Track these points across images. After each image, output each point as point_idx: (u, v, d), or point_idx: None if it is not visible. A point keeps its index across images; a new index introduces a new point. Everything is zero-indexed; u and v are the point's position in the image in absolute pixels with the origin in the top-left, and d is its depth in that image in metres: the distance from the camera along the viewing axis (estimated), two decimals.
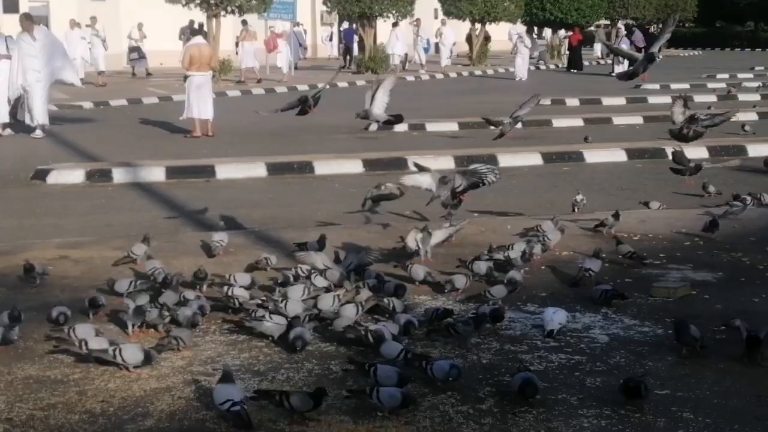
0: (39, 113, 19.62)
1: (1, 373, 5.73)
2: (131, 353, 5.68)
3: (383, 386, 5.21)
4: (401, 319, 6.42)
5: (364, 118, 11.49)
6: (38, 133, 19.58)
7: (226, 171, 14.53)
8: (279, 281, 7.39)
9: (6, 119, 20.11)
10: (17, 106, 20.36)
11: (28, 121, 19.81)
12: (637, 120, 21.45)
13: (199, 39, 21.36)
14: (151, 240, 8.42)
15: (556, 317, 6.57)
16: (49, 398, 5.35)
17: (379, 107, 10.63)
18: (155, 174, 14.34)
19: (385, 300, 6.81)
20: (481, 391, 5.50)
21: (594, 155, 15.84)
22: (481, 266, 7.71)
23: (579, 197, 10.51)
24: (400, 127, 20.26)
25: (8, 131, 20.02)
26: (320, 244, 8.25)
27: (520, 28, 48.67)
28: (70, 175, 14.22)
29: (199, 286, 7.40)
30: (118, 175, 14.28)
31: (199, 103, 19.60)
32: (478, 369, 5.86)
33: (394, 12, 41.52)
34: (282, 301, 6.61)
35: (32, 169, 14.58)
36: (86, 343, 5.84)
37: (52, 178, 14.12)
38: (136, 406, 5.22)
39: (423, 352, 5.94)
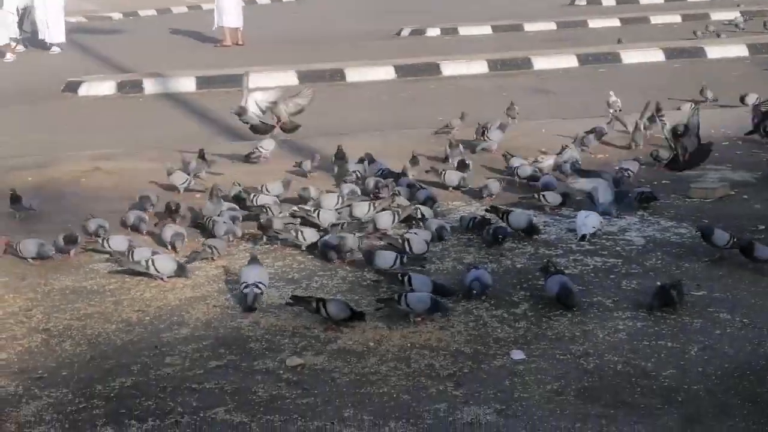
0: (57, 32, 19.37)
1: (39, 284, 5.78)
2: (164, 264, 5.70)
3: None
4: (433, 225, 6.37)
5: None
6: (55, 49, 19.44)
7: (257, 79, 14.37)
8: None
9: (16, 33, 19.54)
10: (24, 17, 19.86)
11: (42, 35, 19.57)
12: (675, 18, 20.98)
13: None
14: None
15: (588, 221, 6.49)
16: (86, 308, 5.39)
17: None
18: (186, 84, 14.27)
19: (413, 207, 6.75)
20: (516, 296, 5.47)
21: (631, 56, 15.53)
22: (527, 170, 7.67)
23: (612, 98, 10.30)
24: (433, 32, 20.06)
25: (20, 47, 19.62)
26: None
27: None
28: (101, 87, 14.18)
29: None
30: (149, 86, 14.22)
31: (229, 11, 19.38)
32: (512, 273, 5.82)
33: None
34: (315, 211, 6.58)
35: (63, 82, 14.55)
36: (121, 254, 5.89)
37: (84, 90, 14.09)
38: (172, 315, 5.26)
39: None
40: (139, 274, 5.76)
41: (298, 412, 4.20)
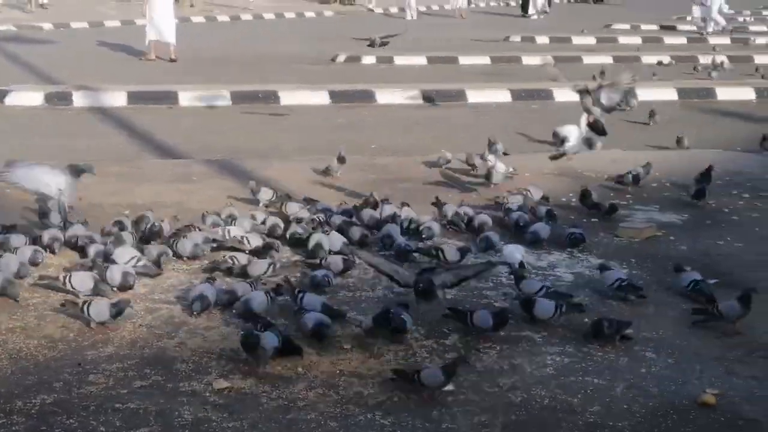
0: None
1: None
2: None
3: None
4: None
5: None
6: None
7: (189, 98, 14.29)
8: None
9: None
10: None
11: None
12: (607, 59, 21.36)
13: None
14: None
15: (516, 251, 6.57)
16: (8, 322, 5.26)
17: None
18: (117, 99, 14.08)
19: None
20: (446, 326, 5.47)
21: (563, 94, 15.73)
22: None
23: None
24: (368, 60, 20.14)
25: None
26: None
27: None
28: (28, 97, 13.92)
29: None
30: (79, 99, 13.99)
31: (162, 27, 19.21)
32: (443, 305, 5.82)
33: None
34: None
35: None
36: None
37: (11, 100, 13.83)
38: (97, 333, 5.14)
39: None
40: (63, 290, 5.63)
41: None
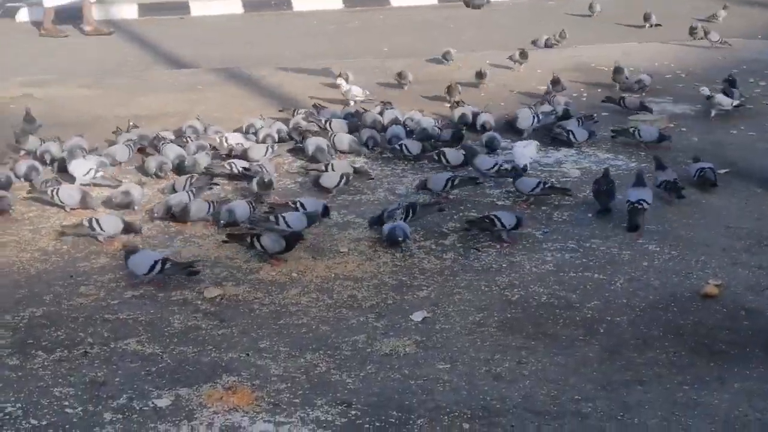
0: None
1: None
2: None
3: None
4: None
5: None
6: None
7: (201, 8, 14.03)
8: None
9: None
10: None
11: None
12: None
13: None
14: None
15: (527, 151, 6.42)
16: (2, 237, 5.22)
17: None
18: (127, 11, 13.84)
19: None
20: (446, 227, 5.38)
21: None
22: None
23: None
24: None
25: None
26: None
27: None
28: (39, 12, 13.71)
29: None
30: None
31: None
32: (445, 204, 5.72)
33: None
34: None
35: (1, 7, 14.08)
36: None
37: (22, 16, 13.64)
38: (91, 244, 5.10)
39: None
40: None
41: (212, 343, 4.10)
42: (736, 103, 7.29)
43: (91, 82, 8.96)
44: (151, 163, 6.14)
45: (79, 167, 5.93)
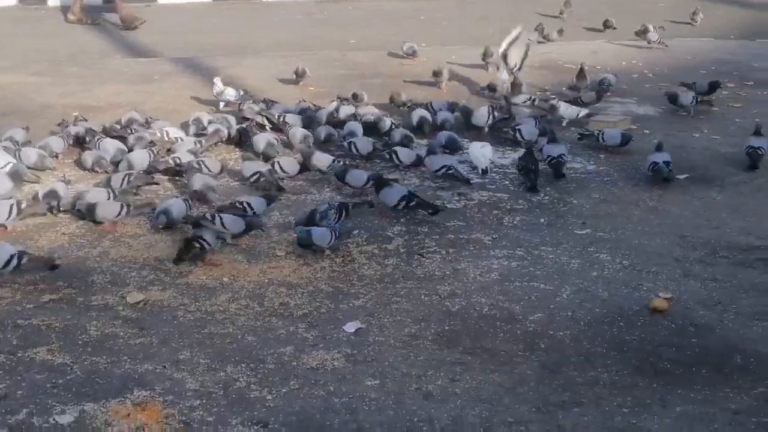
0: None
1: None
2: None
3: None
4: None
5: None
6: None
7: None
8: None
9: None
10: None
11: None
12: None
13: None
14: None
15: (485, 152, 6.20)
16: None
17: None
18: None
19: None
20: (391, 230, 5.15)
21: None
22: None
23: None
24: None
25: None
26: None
27: None
28: None
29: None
30: None
31: None
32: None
33: None
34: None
35: None
36: None
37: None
38: (15, 241, 4.81)
39: None
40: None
41: (128, 353, 3.85)
42: (584, 112, 7.02)
43: (45, 70, 8.69)
44: (88, 158, 5.89)
45: None
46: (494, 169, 6.12)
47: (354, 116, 6.86)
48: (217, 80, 7.52)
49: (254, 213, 5.09)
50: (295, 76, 8.17)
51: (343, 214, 5.06)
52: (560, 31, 10.00)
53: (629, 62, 8.91)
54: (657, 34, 9.45)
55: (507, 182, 5.91)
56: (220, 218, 4.89)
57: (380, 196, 5.32)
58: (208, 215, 4.95)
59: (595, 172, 6.08)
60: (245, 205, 5.15)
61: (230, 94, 7.41)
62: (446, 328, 4.13)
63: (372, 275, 4.62)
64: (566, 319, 4.22)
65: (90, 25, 11.56)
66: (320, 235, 4.76)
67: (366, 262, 4.76)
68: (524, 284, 4.55)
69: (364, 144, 6.26)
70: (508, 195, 5.70)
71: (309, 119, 6.81)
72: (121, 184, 5.44)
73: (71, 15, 11.63)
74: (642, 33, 9.56)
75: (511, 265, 4.75)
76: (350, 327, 4.12)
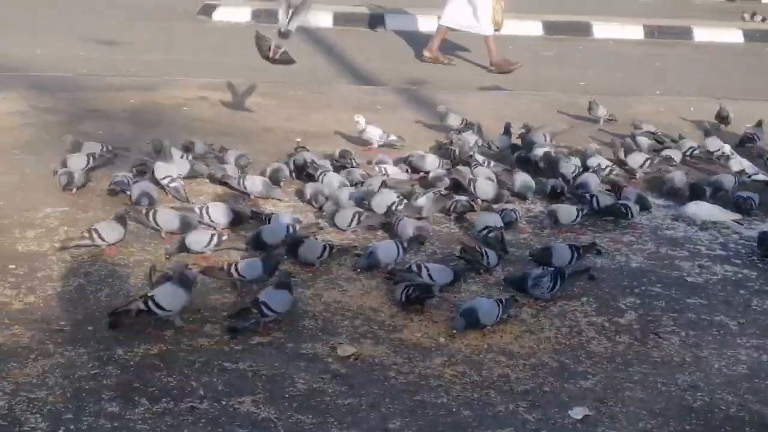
0: None
1: None
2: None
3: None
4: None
5: None
6: None
7: (396, 21, 13.66)
8: None
9: None
10: None
11: None
12: None
13: None
14: None
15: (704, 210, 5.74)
16: (138, 253, 4.88)
17: None
18: (322, 19, 13.63)
19: None
20: (623, 301, 4.69)
21: None
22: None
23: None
24: None
25: None
26: None
27: None
28: (236, 14, 13.71)
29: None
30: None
31: None
32: (625, 273, 5.02)
33: None
34: None
35: (200, 4, 14.14)
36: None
37: (218, 15, 13.66)
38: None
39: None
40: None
41: (336, 414, 3.56)
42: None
43: (268, 91, 8.65)
44: (308, 190, 5.71)
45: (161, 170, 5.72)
46: (740, 241, 5.55)
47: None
48: (360, 118, 6.97)
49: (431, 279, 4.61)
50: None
51: (558, 282, 4.61)
52: None
53: None
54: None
55: (754, 257, 5.32)
56: (426, 268, 4.57)
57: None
58: (413, 266, 4.64)
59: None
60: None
61: (374, 134, 6.88)
62: (686, 427, 3.64)
63: (602, 353, 4.17)
64: None
65: (445, 65, 11.14)
66: (488, 310, 4.29)
67: (595, 336, 4.31)
68: None
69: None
70: (756, 273, 5.12)
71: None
72: (350, 224, 5.25)
73: (427, 52, 11.23)
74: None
75: (761, 358, 4.20)
76: (577, 413, 3.70)
